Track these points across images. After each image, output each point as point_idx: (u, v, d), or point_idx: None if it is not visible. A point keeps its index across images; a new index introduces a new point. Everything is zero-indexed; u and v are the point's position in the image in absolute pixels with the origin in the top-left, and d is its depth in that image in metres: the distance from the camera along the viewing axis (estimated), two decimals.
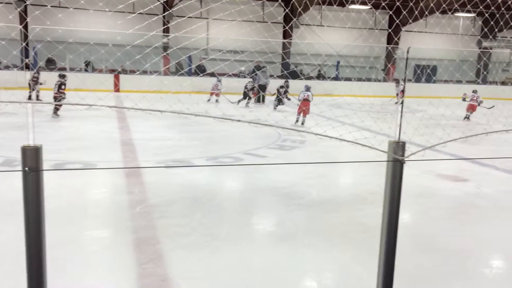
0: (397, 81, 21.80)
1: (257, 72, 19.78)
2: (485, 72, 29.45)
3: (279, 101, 16.72)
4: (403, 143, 1.36)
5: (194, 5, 23.42)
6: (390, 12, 25.89)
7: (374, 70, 27.42)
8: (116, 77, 21.27)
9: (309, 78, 24.63)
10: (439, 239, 4.92)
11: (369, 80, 24.90)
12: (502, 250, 4.82)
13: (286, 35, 25.66)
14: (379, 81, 25.97)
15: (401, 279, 3.86)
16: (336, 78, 26.24)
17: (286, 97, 16.98)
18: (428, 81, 26.33)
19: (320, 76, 25.97)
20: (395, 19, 22.12)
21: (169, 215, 5.33)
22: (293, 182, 6.88)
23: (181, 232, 4.78)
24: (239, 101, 17.27)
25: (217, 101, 18.21)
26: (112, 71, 21.99)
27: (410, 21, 23.91)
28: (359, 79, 23.69)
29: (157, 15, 17.71)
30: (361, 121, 12.44)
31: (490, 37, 27.98)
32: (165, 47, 21.96)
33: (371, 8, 25.97)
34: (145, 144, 9.54)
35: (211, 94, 18.45)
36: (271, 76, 20.20)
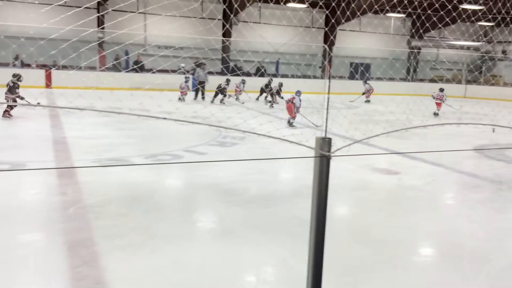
0: (365, 80, 22.41)
1: (196, 68, 19.64)
2: (413, 70, 31.02)
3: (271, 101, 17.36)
4: (329, 139, 1.41)
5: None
6: (327, 12, 26.58)
7: (311, 68, 28.03)
8: (48, 73, 20.25)
9: (248, 74, 24.77)
10: (373, 230, 5.14)
11: (307, 77, 25.41)
12: (430, 238, 5.11)
13: (226, 32, 25.62)
14: (317, 78, 26.61)
15: (338, 269, 4.01)
16: (275, 75, 26.58)
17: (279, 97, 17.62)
18: (362, 78, 27.33)
19: (259, 73, 26.18)
20: (331, 18, 22.76)
21: (105, 216, 5.16)
22: (233, 179, 6.90)
23: (118, 233, 4.65)
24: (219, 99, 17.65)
25: (183, 99, 18.07)
26: (43, 66, 20.88)
27: (343, 20, 24.72)
28: (298, 76, 24.13)
29: (90, 8, 17.05)
30: (302, 117, 12.72)
31: (416, 37, 29.51)
32: (101, 43, 21.19)
33: (308, 6, 26.50)
34: (79, 142, 9.16)
35: (182, 93, 18.31)
36: (210, 72, 20.07)
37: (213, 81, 18.50)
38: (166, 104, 14.93)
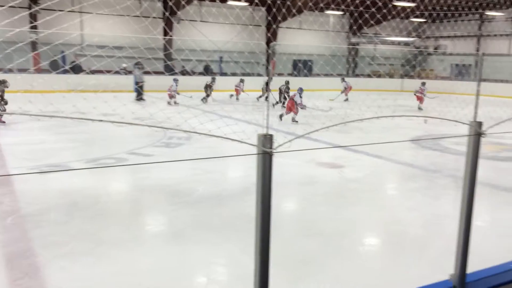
0: (342, 78, 22.68)
1: (133, 68, 19.12)
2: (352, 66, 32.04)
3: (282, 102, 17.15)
4: (271, 136, 1.43)
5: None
6: (274, 10, 26.85)
7: (256, 65, 28.24)
8: None
9: (193, 73, 24.54)
10: (320, 223, 5.26)
11: (251, 74, 25.55)
12: (373, 228, 5.31)
13: (171, 31, 25.24)
14: (261, 75, 26.83)
15: (287, 263, 4.07)
16: (221, 74, 26.52)
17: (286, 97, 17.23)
18: (306, 75, 27.85)
19: (208, 71, 26.01)
20: (268, 16, 23.01)
21: (44, 224, 4.94)
22: (180, 180, 6.82)
23: (59, 241, 4.46)
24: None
25: (175, 102, 17.47)
26: None
27: (278, 18, 25.06)
28: (241, 74, 24.20)
29: (23, 7, 16.18)
30: (247, 113, 12.78)
31: (357, 33, 30.51)
32: (34, 44, 20.17)
33: (250, 4, 26.64)
34: (14, 149, 8.69)
35: (169, 95, 17.86)
36: (145, 72, 19.43)
37: (152, 81, 18.11)
38: (101, 105, 14.46)
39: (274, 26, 27.35)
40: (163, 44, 23.70)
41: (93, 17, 21.60)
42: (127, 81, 19.15)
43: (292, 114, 13.49)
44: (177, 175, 7.03)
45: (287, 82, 18.26)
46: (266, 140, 1.42)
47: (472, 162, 2.10)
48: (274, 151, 1.42)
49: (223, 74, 26.33)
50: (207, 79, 19.20)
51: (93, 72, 17.69)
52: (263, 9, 27.77)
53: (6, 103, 11.23)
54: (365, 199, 6.29)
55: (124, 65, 21.62)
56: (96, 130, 10.63)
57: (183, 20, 25.17)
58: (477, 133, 2.06)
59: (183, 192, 6.23)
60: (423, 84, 18.66)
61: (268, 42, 27.88)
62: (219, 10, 25.98)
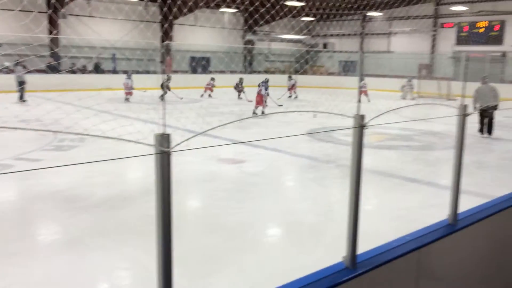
0: (289, 76, 22.67)
1: (14, 67, 17.61)
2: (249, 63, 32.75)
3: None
4: (168, 135, 1.43)
5: None
6: (166, 9, 26.30)
7: (152, 63, 27.52)
8: None
9: (84, 70, 23.26)
10: (223, 218, 5.33)
11: (147, 72, 24.85)
12: (274, 219, 5.51)
13: (53, 26, 23.56)
14: (156, 73, 26.26)
15: (192, 261, 4.08)
16: (113, 71, 25.45)
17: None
18: (204, 71, 27.85)
19: (98, 69, 24.78)
20: (161, 12, 22.62)
21: None
22: (75, 184, 6.45)
23: None
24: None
25: (127, 99, 17.40)
26: None
27: (170, 17, 24.79)
28: (137, 72, 23.46)
29: None
30: (142, 113, 12.43)
31: (252, 31, 31.21)
32: None
33: (142, 0, 25.89)
34: None
35: (126, 93, 17.58)
36: (28, 72, 18.04)
37: (38, 81, 16.87)
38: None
39: (166, 24, 26.85)
40: (49, 42, 22.10)
41: None
42: (8, 81, 17.56)
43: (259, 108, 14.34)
44: (72, 179, 6.64)
45: (241, 79, 19.53)
46: (163, 140, 1.41)
47: (357, 152, 2.29)
48: (172, 150, 1.43)
49: (117, 72, 25.30)
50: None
51: None
52: (156, 4, 27.15)
53: None
54: (266, 192, 6.51)
55: (7, 63, 19.83)
56: None
57: (71, 15, 23.68)
58: (360, 125, 2.25)
59: (79, 197, 5.91)
60: (410, 80, 20.36)
61: (163, 39, 27.36)
62: (110, 5, 24.84)
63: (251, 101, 15.25)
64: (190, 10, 25.82)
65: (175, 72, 25.69)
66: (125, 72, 23.61)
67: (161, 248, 1.47)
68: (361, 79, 20.55)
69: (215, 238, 4.74)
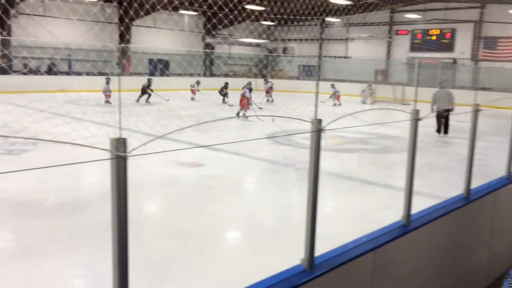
0: (265, 79, 22.52)
1: None
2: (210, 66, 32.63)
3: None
4: (124, 139, 1.41)
5: None
6: (122, 11, 25.81)
7: (109, 65, 26.90)
8: None
9: (36, 72, 22.44)
10: (182, 223, 5.28)
11: (104, 74, 24.27)
12: (234, 223, 5.51)
13: (3, 27, 22.57)
14: (117, 75, 25.71)
15: (150, 267, 4.01)
16: (68, 73, 24.68)
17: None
18: (162, 74, 27.46)
19: (51, 71, 23.95)
20: (120, 12, 22.21)
21: None
22: (27, 190, 6.21)
23: None
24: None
25: (108, 102, 17.51)
26: None
27: (125, 19, 24.39)
28: (93, 74, 22.86)
29: None
30: (101, 117, 12.15)
31: (212, 33, 31.12)
32: None
33: (99, 0, 25.30)
34: None
35: (106, 96, 17.64)
36: None
37: None
38: None
39: (122, 27, 26.34)
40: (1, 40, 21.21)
41: None
42: None
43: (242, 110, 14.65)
44: (24, 185, 6.39)
45: (226, 84, 19.69)
46: (119, 144, 1.39)
47: (315, 155, 2.33)
48: (128, 155, 1.40)
49: (73, 73, 24.56)
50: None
51: None
52: (113, 5, 26.59)
53: None
54: (226, 196, 6.49)
55: None
56: None
57: (23, 14, 22.81)
58: (317, 129, 2.30)
59: (31, 203, 5.69)
60: (370, 85, 20.67)
61: (120, 41, 26.79)
62: (63, 6, 24.07)
63: (232, 106, 15.41)
64: (148, 12, 25.42)
65: (132, 74, 25.22)
66: (78, 73, 22.95)
67: (117, 255, 1.45)
68: (333, 86, 21.26)
69: (173, 242, 4.68)
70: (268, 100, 21.42)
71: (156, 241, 4.71)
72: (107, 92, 17.78)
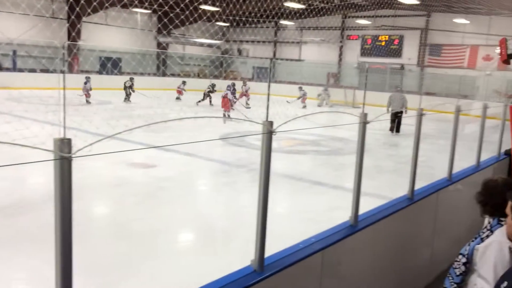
0: (244, 81, 22.19)
1: None
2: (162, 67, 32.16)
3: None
4: (69, 140, 1.36)
5: None
6: (68, 7, 24.90)
7: (54, 61, 25.86)
8: None
9: None
10: (132, 225, 5.16)
11: (49, 71, 23.28)
12: (186, 224, 5.46)
13: None
14: (63, 72, 24.71)
15: (99, 270, 3.90)
16: (12, 69, 23.55)
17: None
18: (111, 73, 26.74)
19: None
20: (73, 9, 21.44)
21: None
22: None
23: None
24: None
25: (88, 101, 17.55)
26: None
27: (89, 11, 23.61)
28: (41, 70, 21.90)
29: None
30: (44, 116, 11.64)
31: (164, 32, 30.68)
32: None
33: None
34: None
35: (86, 95, 17.65)
36: None
37: None
38: None
39: (67, 24, 25.46)
40: None
41: None
42: None
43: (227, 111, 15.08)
44: None
45: (214, 85, 19.67)
46: (64, 145, 1.34)
47: (266, 157, 2.35)
48: (73, 156, 1.36)
49: (19, 70, 23.44)
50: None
51: None
52: (63, 0, 25.66)
53: None
54: (178, 197, 6.42)
55: None
56: None
57: None
58: (269, 131, 2.32)
59: None
60: (326, 90, 20.89)
61: (69, 37, 25.84)
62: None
63: (212, 105, 15.66)
64: (95, 10, 24.66)
65: (83, 72, 24.40)
66: (31, 70, 22.00)
67: (60, 258, 1.40)
68: (301, 88, 22.11)
69: (123, 245, 4.58)
70: (246, 103, 20.86)
71: (105, 244, 4.59)
72: (85, 92, 17.74)
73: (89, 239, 4.55)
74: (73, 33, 25.52)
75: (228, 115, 14.94)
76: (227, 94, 15.32)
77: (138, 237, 4.80)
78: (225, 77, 32.55)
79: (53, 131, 1.62)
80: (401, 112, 13.34)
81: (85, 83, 17.98)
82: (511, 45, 2.65)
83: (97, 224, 5.26)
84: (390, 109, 13.58)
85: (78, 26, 25.84)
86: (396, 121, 13.52)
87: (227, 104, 15.18)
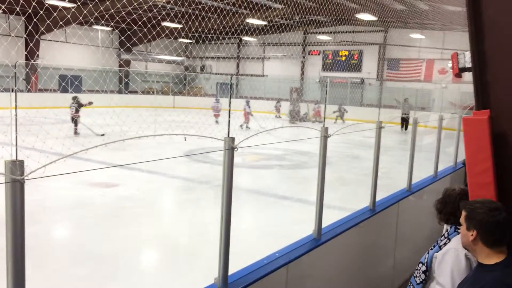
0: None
1: None
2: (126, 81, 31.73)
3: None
4: (22, 162, 1.32)
5: None
6: (25, 24, 24.30)
7: (3, 80, 25.01)
8: None
9: None
10: (92, 247, 5.01)
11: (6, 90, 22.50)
12: (149, 244, 5.35)
13: None
14: (22, 91, 24.04)
15: None
16: None
17: None
18: (76, 91, 26.12)
19: None
20: (28, 26, 20.95)
21: None
22: None
23: None
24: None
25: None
26: None
27: (40, 30, 23.12)
28: None
29: None
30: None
31: (122, 50, 30.37)
32: None
33: (4, 13, 23.64)
34: None
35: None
36: None
37: None
38: None
39: (20, 42, 24.85)
40: None
41: None
42: None
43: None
44: None
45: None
46: (15, 167, 1.30)
47: (228, 173, 2.35)
48: (26, 178, 1.32)
49: None
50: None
51: None
52: (21, 19, 25.03)
53: None
54: (141, 216, 6.29)
55: None
56: None
57: None
58: (230, 147, 2.33)
59: None
60: (316, 103, 22.24)
61: (27, 56, 25.15)
62: None
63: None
64: (50, 29, 24.06)
65: (43, 90, 23.76)
66: None
67: (12, 285, 1.34)
68: (278, 100, 23.85)
69: (83, 268, 4.43)
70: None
71: (64, 268, 4.43)
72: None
73: (46, 264, 4.38)
74: (25, 52, 24.85)
75: (247, 126, 17.93)
76: (245, 108, 18.44)
77: (98, 260, 4.66)
78: (188, 93, 32.44)
79: (4, 153, 1.57)
80: (408, 116, 18.25)
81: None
82: (462, 59, 2.77)
83: (55, 248, 5.08)
84: (401, 112, 19.19)
85: (31, 44, 25.17)
86: (404, 122, 18.85)
87: (247, 116, 18.29)
